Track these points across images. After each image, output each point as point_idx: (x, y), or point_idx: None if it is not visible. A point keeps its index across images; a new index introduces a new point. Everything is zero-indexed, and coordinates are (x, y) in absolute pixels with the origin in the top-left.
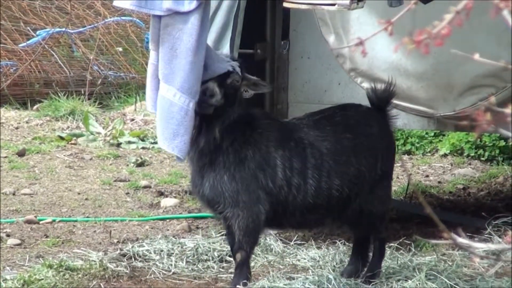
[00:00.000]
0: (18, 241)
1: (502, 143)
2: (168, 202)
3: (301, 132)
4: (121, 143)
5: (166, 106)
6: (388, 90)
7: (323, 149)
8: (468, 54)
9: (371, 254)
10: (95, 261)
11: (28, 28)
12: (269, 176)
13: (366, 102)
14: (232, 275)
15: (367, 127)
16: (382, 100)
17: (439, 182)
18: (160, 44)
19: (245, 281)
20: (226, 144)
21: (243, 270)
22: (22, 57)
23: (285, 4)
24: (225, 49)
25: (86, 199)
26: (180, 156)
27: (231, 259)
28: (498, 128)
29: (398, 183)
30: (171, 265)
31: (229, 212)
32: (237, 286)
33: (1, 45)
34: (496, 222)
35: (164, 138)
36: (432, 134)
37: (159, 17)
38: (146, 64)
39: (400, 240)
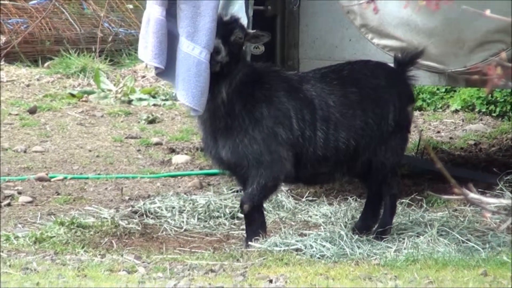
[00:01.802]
0: (30, 199)
1: None
2: (179, 159)
3: (308, 84)
4: (132, 100)
5: (193, 64)
6: (415, 55)
7: (330, 101)
8: (479, 10)
9: (382, 210)
10: (106, 218)
11: None
12: (288, 128)
13: (376, 59)
14: (244, 231)
15: (374, 80)
16: (406, 61)
17: (451, 138)
18: (178, 1)
19: (259, 224)
20: (239, 107)
21: (254, 217)
22: (33, 15)
23: None
24: (237, 6)
25: (98, 156)
26: (201, 111)
27: (242, 215)
28: (509, 83)
29: (409, 139)
30: (183, 222)
31: (252, 172)
32: (252, 238)
33: (12, 2)
34: (507, 177)
35: (192, 96)
36: (443, 90)
37: None
38: None
39: (412, 196)
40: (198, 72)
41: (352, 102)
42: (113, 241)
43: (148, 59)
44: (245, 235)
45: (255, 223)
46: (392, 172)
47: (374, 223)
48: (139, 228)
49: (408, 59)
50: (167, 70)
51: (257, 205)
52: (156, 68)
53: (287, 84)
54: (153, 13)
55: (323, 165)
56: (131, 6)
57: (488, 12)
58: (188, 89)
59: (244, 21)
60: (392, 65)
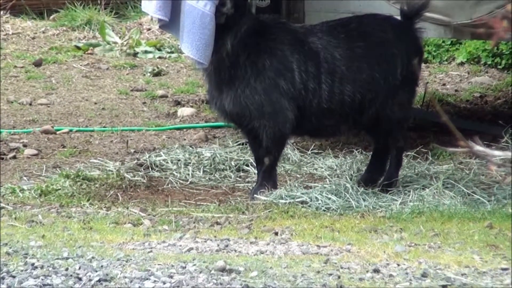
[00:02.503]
0: (35, 151)
1: None
2: (184, 111)
3: (314, 37)
4: (137, 53)
5: (197, 16)
6: (420, 7)
7: (336, 54)
8: None
9: (388, 163)
10: (112, 171)
11: None
12: (289, 80)
13: (382, 11)
14: (255, 180)
15: (381, 33)
16: (412, 13)
17: (456, 90)
18: None
19: (272, 183)
20: (243, 58)
21: (272, 173)
22: None
23: None
24: None
25: (103, 109)
26: (206, 64)
27: (248, 168)
28: None
29: (416, 93)
30: (188, 174)
31: (256, 124)
32: (260, 190)
33: None
34: None
35: (196, 49)
36: (449, 42)
37: None
38: None
39: (417, 149)
40: (203, 24)
41: (358, 55)
42: (118, 194)
43: (152, 12)
44: (250, 188)
45: (271, 179)
46: (399, 125)
47: (380, 176)
48: (144, 181)
49: (414, 11)
50: (171, 22)
51: (276, 158)
52: (160, 20)
53: (292, 36)
54: None
55: (328, 118)
56: None
57: None
58: (193, 41)
59: None
60: (398, 18)
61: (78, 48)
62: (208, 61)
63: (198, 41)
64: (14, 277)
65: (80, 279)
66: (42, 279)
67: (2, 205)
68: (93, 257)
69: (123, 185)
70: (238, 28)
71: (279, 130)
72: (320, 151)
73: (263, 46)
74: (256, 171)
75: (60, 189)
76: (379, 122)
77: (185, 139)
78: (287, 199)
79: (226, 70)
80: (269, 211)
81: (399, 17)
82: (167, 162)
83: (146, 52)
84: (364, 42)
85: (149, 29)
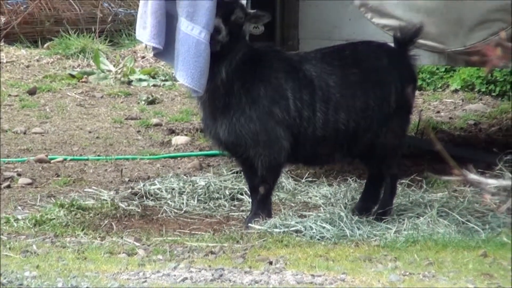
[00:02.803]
0: (29, 180)
1: None
2: (179, 140)
3: (309, 64)
4: (132, 81)
5: (192, 44)
6: (414, 32)
7: (331, 82)
8: None
9: (382, 191)
10: (106, 200)
11: None
12: (284, 108)
13: (376, 38)
14: (250, 209)
15: (376, 60)
16: (406, 39)
17: (450, 117)
18: None
19: (267, 212)
20: (237, 86)
21: (267, 202)
22: None
23: None
24: None
25: (97, 137)
26: (201, 92)
27: (243, 197)
28: (509, 62)
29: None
30: (183, 203)
31: (251, 153)
32: (255, 219)
33: None
34: (507, 157)
35: (191, 77)
36: (443, 69)
37: None
38: None
39: (412, 177)
40: (198, 52)
41: (353, 83)
42: (113, 223)
43: (146, 40)
44: (245, 216)
45: (266, 208)
46: (393, 153)
47: (374, 204)
48: (139, 210)
49: (408, 37)
50: (165, 50)
51: (272, 186)
52: (155, 48)
53: (286, 64)
54: None
55: (323, 146)
56: None
57: None
58: (188, 69)
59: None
60: (392, 45)
61: (72, 76)
62: (203, 89)
63: (193, 69)
64: None
65: None
66: None
67: None
68: (87, 287)
69: (118, 215)
70: (233, 55)
71: (274, 159)
72: (314, 179)
73: (258, 74)
74: (250, 200)
75: (54, 218)
76: (374, 150)
77: (179, 168)
78: (281, 228)
79: (220, 98)
80: (263, 240)
81: (393, 44)
82: (162, 191)
83: (140, 80)
84: (359, 69)
85: (143, 57)
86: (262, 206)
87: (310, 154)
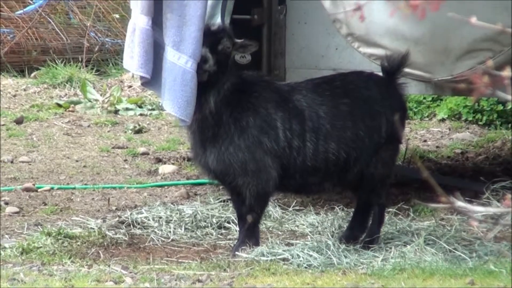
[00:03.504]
0: (17, 209)
1: (500, 107)
2: (166, 168)
3: (299, 95)
4: (118, 110)
5: (179, 73)
6: (400, 59)
7: (321, 112)
8: (466, 18)
9: (370, 220)
10: (93, 228)
11: None
12: (273, 138)
13: (363, 67)
14: (237, 237)
15: (366, 91)
16: (393, 68)
17: (437, 146)
18: (164, 10)
19: (254, 240)
20: (226, 115)
21: (254, 231)
22: (19, 25)
23: None
24: (219, 15)
25: (84, 166)
26: (188, 121)
27: (230, 225)
28: (496, 91)
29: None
30: (170, 232)
31: (239, 181)
32: (242, 247)
33: None
34: (494, 186)
35: (178, 107)
36: (430, 98)
37: None
38: None
39: (399, 205)
40: (184, 81)
41: (343, 113)
42: (100, 252)
43: (134, 69)
44: (232, 245)
45: (253, 236)
46: (382, 182)
47: (361, 233)
48: (126, 238)
49: (395, 66)
50: (153, 80)
51: (260, 215)
52: (142, 78)
53: (276, 94)
54: (139, 22)
55: (313, 176)
56: (117, 16)
57: (474, 19)
58: (174, 99)
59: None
60: (380, 74)
61: (59, 105)
62: (190, 119)
63: (180, 99)
64: None
65: None
66: None
67: None
68: None
69: (105, 243)
70: (221, 85)
71: (262, 188)
72: (301, 208)
73: (247, 104)
74: (237, 228)
75: (41, 247)
76: (363, 180)
77: (166, 196)
78: (268, 256)
79: (210, 128)
80: (250, 269)
81: (381, 74)
82: (149, 220)
83: (127, 109)
84: (349, 99)
85: (130, 86)
86: (250, 235)
87: (300, 184)
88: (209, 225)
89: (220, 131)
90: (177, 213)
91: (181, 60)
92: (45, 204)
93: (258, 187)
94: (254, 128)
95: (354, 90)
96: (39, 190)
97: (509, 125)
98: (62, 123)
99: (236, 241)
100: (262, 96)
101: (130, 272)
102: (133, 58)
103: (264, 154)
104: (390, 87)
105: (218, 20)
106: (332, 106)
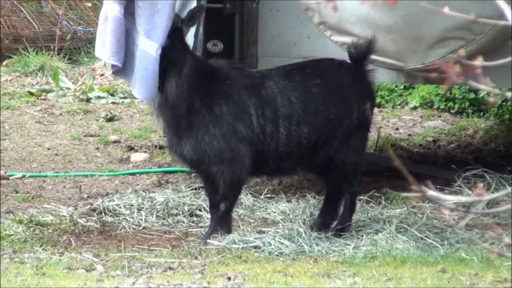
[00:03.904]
0: None
1: (472, 95)
2: (138, 156)
3: (271, 81)
4: (90, 98)
5: (150, 61)
6: (367, 45)
7: (293, 98)
8: (438, 8)
9: (341, 207)
10: (65, 216)
11: None
12: (247, 124)
13: (335, 56)
14: (209, 225)
15: (337, 77)
16: (360, 54)
17: (409, 134)
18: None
19: (226, 228)
20: (198, 103)
21: (227, 219)
22: None
23: None
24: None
25: (56, 154)
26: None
27: (201, 213)
28: (468, 80)
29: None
30: (141, 219)
31: (214, 170)
32: (213, 235)
33: None
34: (466, 174)
35: (151, 94)
36: (402, 87)
37: None
38: None
39: (370, 193)
40: (155, 69)
41: (315, 97)
42: (71, 239)
43: (106, 57)
44: (203, 232)
45: (225, 224)
46: (352, 170)
47: (333, 221)
48: (97, 226)
49: (362, 52)
50: (124, 68)
51: (233, 203)
52: (114, 66)
53: (248, 81)
54: (111, 11)
55: (286, 160)
56: (89, 4)
57: (446, 9)
58: (146, 86)
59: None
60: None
61: (31, 94)
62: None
63: (152, 86)
64: None
65: None
66: None
67: None
68: None
69: (76, 231)
70: (179, 67)
71: (236, 176)
72: (273, 195)
73: (219, 91)
74: (209, 216)
75: (13, 234)
76: (333, 167)
77: (138, 184)
78: (240, 244)
79: (183, 117)
80: (222, 256)
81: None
82: (120, 207)
83: (99, 97)
84: (320, 83)
85: (102, 75)
86: (222, 223)
87: (273, 168)
88: (181, 212)
89: (194, 119)
90: (148, 200)
91: (152, 48)
92: (17, 192)
93: (233, 175)
94: (228, 115)
95: (325, 76)
96: (10, 178)
97: (481, 113)
98: (34, 111)
99: (207, 228)
100: (234, 83)
101: (102, 260)
102: (105, 46)
103: (239, 142)
104: (359, 74)
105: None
106: (304, 91)
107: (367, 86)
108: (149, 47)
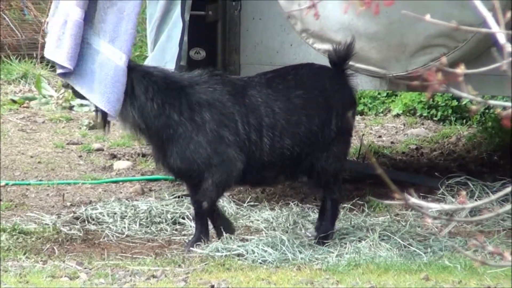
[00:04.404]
0: None
1: (455, 102)
2: (121, 164)
3: (253, 90)
4: (73, 106)
5: (111, 68)
6: (346, 50)
7: (276, 108)
8: (420, 15)
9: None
10: (48, 224)
11: None
12: (233, 130)
13: (318, 63)
14: (192, 233)
15: (319, 83)
16: (340, 59)
17: (392, 142)
18: (103, 4)
19: (205, 231)
20: (177, 113)
21: (207, 221)
22: None
23: None
24: (176, 13)
25: (39, 162)
26: (115, 117)
27: (184, 221)
28: (450, 88)
29: (351, 144)
30: (125, 227)
31: (205, 175)
32: (196, 243)
33: None
34: (449, 182)
35: (107, 101)
36: (385, 94)
37: None
38: None
39: (353, 201)
40: (116, 77)
41: (297, 107)
42: (55, 247)
43: (62, 61)
44: (186, 240)
45: (206, 225)
46: (334, 177)
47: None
48: (80, 234)
49: (342, 57)
50: (73, 72)
51: (214, 203)
52: (63, 68)
53: (232, 88)
54: (72, 14)
55: (269, 170)
56: None
57: (428, 17)
58: (105, 93)
59: (180, 26)
60: None
61: (14, 101)
62: (117, 115)
63: (110, 93)
64: None
65: None
66: None
67: None
68: None
69: (60, 239)
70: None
71: (226, 178)
72: (256, 203)
73: (199, 99)
74: (192, 224)
75: None
76: (315, 173)
77: (121, 192)
78: (223, 252)
79: (163, 129)
80: (205, 264)
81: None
82: (103, 215)
83: (81, 105)
84: (302, 93)
85: None
86: (205, 230)
87: (256, 178)
88: (164, 220)
89: (178, 131)
90: (132, 209)
91: (115, 55)
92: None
93: (223, 176)
94: (212, 122)
95: (306, 83)
96: None
97: (464, 121)
98: (16, 119)
99: (191, 236)
100: (217, 90)
101: (85, 268)
102: (62, 49)
103: (227, 147)
104: (340, 79)
105: (175, 16)
106: (286, 101)
107: (347, 91)
108: (112, 54)
